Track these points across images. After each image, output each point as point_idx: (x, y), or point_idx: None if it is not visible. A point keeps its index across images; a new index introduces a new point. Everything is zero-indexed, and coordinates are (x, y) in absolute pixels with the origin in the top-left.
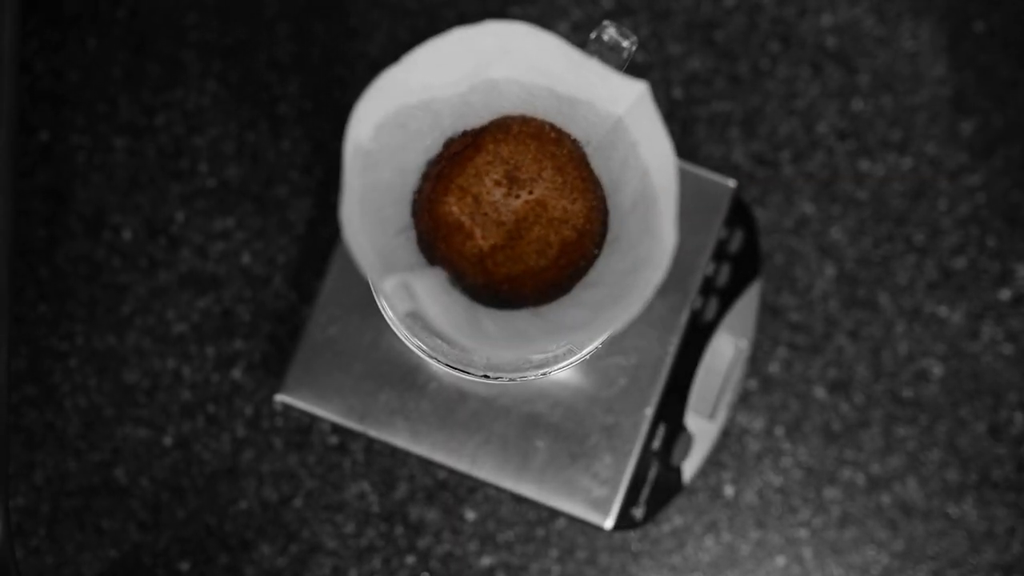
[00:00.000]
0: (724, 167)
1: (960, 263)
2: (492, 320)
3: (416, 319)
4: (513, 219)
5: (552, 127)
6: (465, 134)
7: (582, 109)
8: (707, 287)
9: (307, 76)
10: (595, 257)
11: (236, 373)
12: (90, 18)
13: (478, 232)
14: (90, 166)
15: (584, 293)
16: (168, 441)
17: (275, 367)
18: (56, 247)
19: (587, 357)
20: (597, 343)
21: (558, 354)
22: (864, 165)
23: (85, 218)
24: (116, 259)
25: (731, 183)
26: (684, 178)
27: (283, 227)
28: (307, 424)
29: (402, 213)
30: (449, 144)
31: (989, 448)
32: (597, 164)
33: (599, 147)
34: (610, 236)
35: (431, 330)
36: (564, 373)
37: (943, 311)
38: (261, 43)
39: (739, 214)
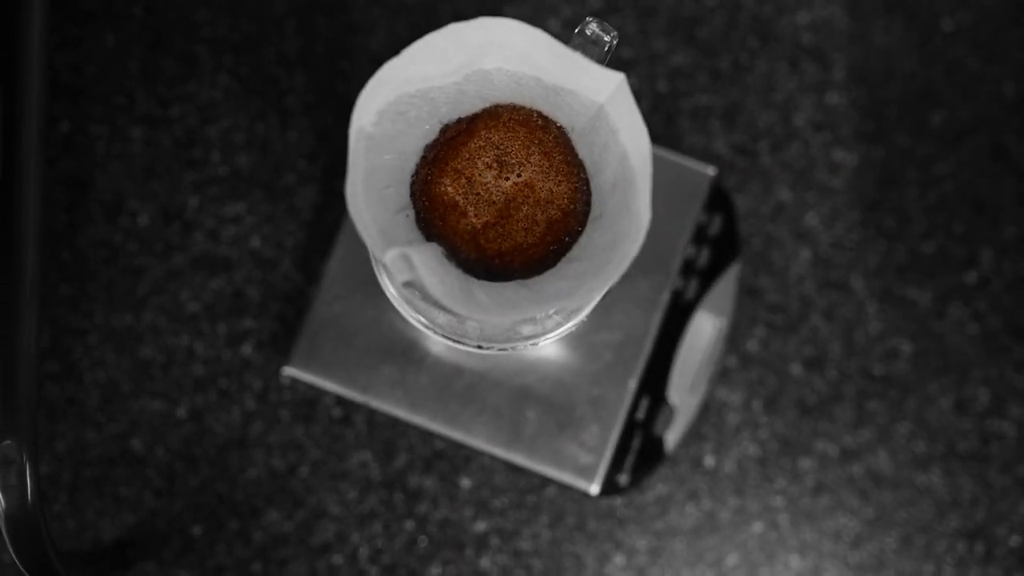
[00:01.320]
0: (706, 157)
1: (929, 248)
2: (484, 291)
3: (414, 289)
4: (503, 199)
5: (539, 115)
6: (459, 121)
7: (567, 97)
8: (688, 268)
9: (312, 70)
10: (579, 234)
11: (246, 349)
12: (107, 15)
13: (471, 211)
14: (109, 155)
15: (568, 267)
16: (182, 413)
17: (283, 345)
18: (77, 232)
19: (573, 329)
20: (582, 316)
21: (546, 325)
22: (838, 155)
23: (104, 204)
24: (133, 243)
25: (711, 170)
26: (666, 165)
27: (291, 213)
28: (313, 397)
29: (402, 193)
30: (445, 130)
31: (955, 422)
32: (581, 148)
33: (582, 133)
34: (592, 214)
35: (428, 299)
36: (553, 348)
37: (912, 293)
38: (269, 38)
39: (718, 200)
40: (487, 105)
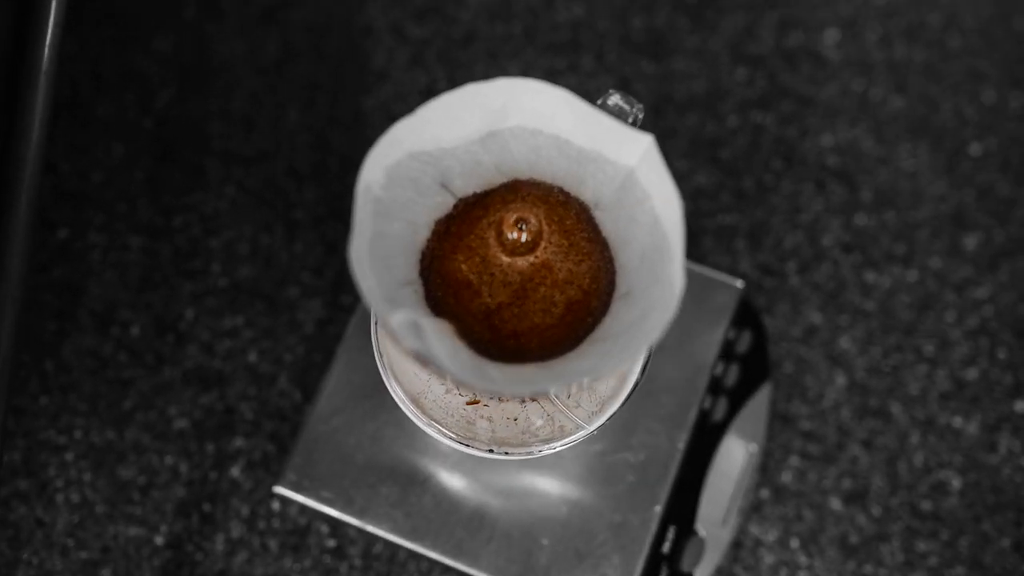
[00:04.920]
0: (732, 275)
1: (972, 374)
2: (498, 370)
3: (419, 360)
4: (519, 279)
5: (560, 191)
6: (475, 195)
7: (590, 166)
8: (716, 387)
9: (324, 184)
10: (602, 314)
11: (235, 471)
12: (119, 125)
13: (485, 291)
14: (105, 263)
15: (591, 347)
16: (160, 540)
17: (275, 467)
18: (64, 341)
19: (595, 432)
20: (606, 416)
21: (565, 426)
22: (870, 277)
23: (96, 313)
24: (123, 354)
25: (739, 283)
26: (692, 277)
27: (292, 327)
28: (304, 525)
29: (410, 266)
30: (459, 205)
31: (1017, 565)
32: (605, 224)
33: (607, 207)
34: (619, 292)
35: (435, 370)
36: (570, 467)
37: (958, 422)
38: (282, 152)
39: (747, 315)
40: (505, 180)
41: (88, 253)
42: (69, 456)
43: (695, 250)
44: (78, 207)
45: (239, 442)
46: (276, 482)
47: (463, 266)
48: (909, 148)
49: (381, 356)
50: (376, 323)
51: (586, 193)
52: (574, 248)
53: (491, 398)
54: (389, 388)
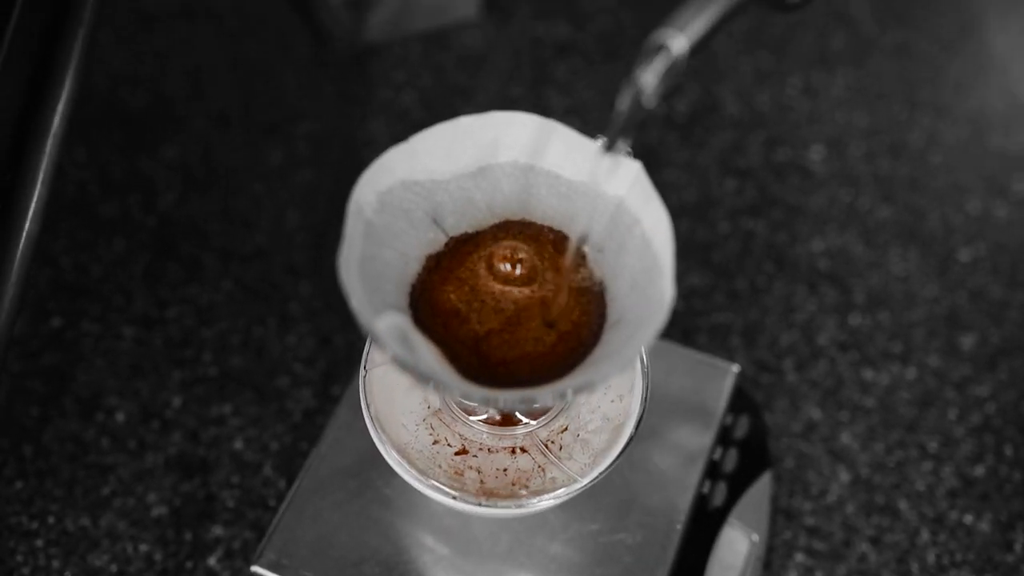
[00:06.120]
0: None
1: (979, 471)
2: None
3: (406, 365)
4: (513, 308)
5: (550, 229)
6: (466, 235)
7: (580, 201)
8: (714, 471)
9: (320, 279)
10: (593, 345)
11: (212, 560)
12: (122, 222)
13: (474, 317)
14: (96, 351)
15: (583, 370)
16: None
17: (254, 556)
18: (46, 426)
19: (587, 486)
20: (597, 472)
21: (557, 478)
22: (868, 374)
23: (81, 399)
24: (105, 440)
25: (734, 368)
26: (687, 362)
27: (280, 415)
28: None
29: (400, 295)
30: (450, 242)
31: None
32: (595, 258)
33: (597, 241)
34: (609, 322)
35: (422, 376)
36: (564, 547)
37: (969, 519)
38: (280, 250)
39: (743, 401)
40: (496, 221)
41: (80, 341)
42: (39, 542)
43: (690, 347)
44: (74, 298)
45: (218, 530)
46: (253, 560)
47: (452, 295)
48: (899, 253)
49: (368, 407)
50: (364, 375)
51: (577, 229)
52: (565, 284)
53: (480, 449)
54: (375, 438)
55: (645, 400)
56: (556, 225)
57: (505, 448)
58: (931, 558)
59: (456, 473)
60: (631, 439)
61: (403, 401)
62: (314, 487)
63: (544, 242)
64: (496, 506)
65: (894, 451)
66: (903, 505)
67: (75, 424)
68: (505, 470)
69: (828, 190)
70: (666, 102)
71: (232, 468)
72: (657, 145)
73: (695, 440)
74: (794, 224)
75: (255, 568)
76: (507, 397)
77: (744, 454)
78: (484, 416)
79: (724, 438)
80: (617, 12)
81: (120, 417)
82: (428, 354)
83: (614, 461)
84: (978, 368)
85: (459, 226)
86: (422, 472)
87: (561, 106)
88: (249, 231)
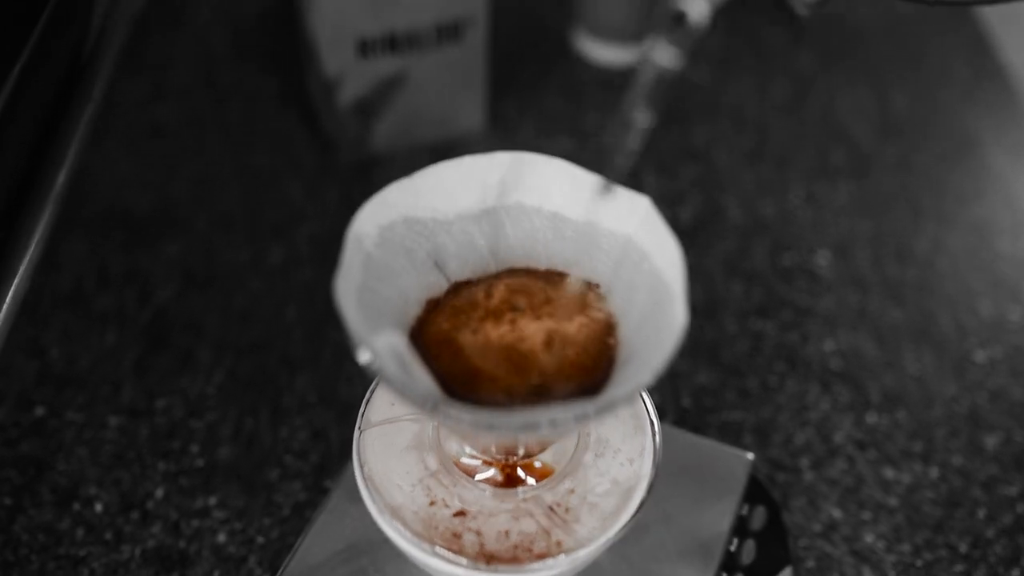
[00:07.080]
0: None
1: (1016, 574)
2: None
3: (400, 387)
4: (516, 350)
5: (557, 274)
6: (469, 282)
7: (586, 243)
8: (731, 563)
9: (317, 373)
10: (604, 384)
11: None
12: (116, 316)
13: (476, 355)
14: (78, 440)
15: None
16: None
17: None
18: (18, 515)
19: (596, 555)
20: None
21: (563, 542)
22: (889, 473)
23: (57, 489)
24: (80, 530)
25: (748, 456)
26: (699, 451)
27: (268, 509)
28: None
29: (399, 335)
30: (451, 288)
31: None
32: (602, 301)
33: (605, 284)
34: (619, 362)
35: (418, 399)
36: None
37: None
38: (276, 343)
39: (758, 491)
40: (499, 268)
41: (62, 431)
42: None
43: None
44: (60, 388)
45: None
46: None
47: (452, 333)
48: (913, 354)
49: (362, 468)
50: (358, 436)
51: (583, 274)
52: (570, 331)
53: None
54: (366, 499)
55: (656, 463)
56: (562, 267)
57: (507, 510)
58: None
59: (454, 535)
60: (643, 503)
61: (399, 461)
62: (301, 574)
63: (549, 282)
64: (498, 571)
65: (922, 552)
66: None
67: (49, 514)
68: (507, 532)
69: (836, 293)
70: (670, 209)
71: (214, 562)
72: None
73: (709, 531)
74: (804, 325)
75: None
76: (507, 420)
77: (762, 546)
78: (486, 476)
79: (740, 529)
80: None
81: (98, 507)
82: (426, 377)
83: (626, 524)
84: (1005, 468)
85: (461, 272)
86: (416, 534)
87: None
88: (245, 325)
